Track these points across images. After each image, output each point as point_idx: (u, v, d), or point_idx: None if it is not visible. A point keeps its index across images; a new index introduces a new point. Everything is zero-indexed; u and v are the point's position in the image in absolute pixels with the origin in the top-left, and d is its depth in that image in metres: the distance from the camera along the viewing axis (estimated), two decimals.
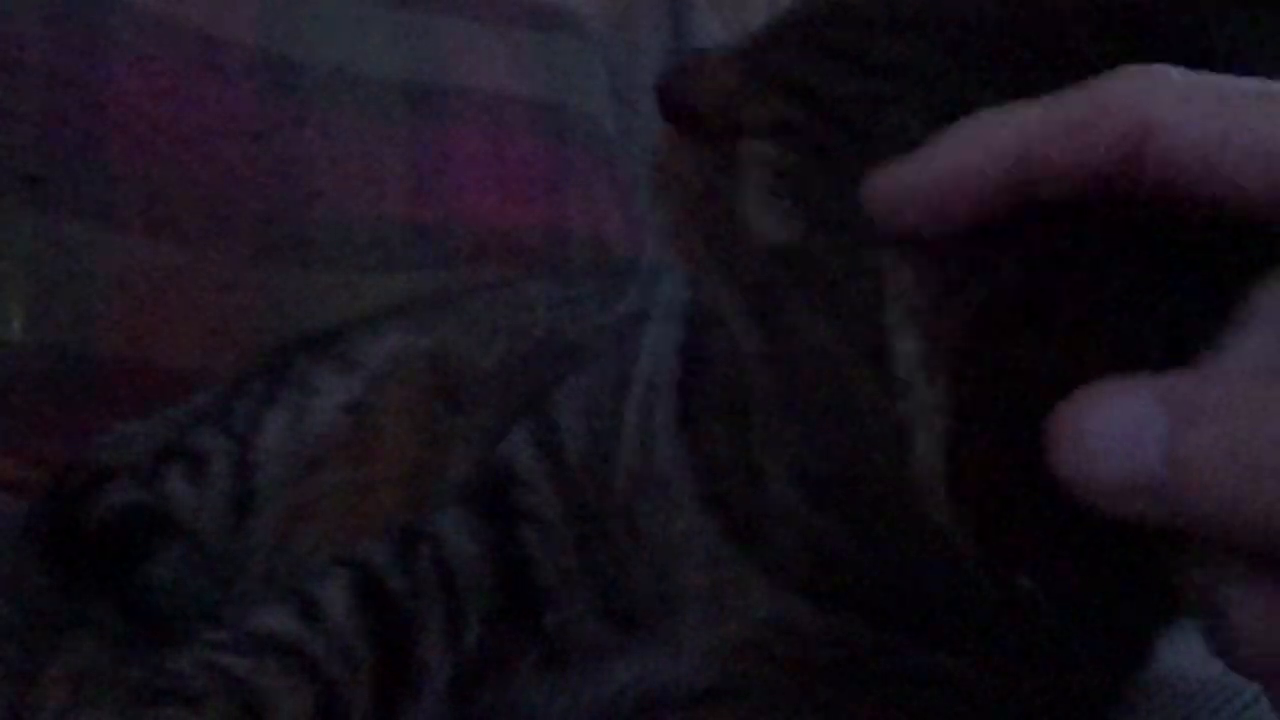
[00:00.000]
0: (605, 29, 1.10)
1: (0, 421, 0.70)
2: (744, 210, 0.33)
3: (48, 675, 0.52)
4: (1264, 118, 0.22)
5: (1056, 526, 0.26)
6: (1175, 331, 0.24)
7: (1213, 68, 0.24)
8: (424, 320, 0.69)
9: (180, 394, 0.71)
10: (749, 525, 0.42)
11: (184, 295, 0.78)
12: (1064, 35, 0.28)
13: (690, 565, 0.43)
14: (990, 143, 0.24)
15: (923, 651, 0.39)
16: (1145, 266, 0.25)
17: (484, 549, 0.47)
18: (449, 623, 0.45)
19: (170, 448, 0.63)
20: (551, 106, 1.02)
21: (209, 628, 0.45)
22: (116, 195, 0.76)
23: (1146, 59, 0.24)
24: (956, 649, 0.38)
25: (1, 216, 0.72)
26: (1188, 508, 0.21)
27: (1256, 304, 0.22)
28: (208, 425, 0.63)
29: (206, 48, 0.82)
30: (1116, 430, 0.22)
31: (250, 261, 0.82)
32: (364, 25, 0.92)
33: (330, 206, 0.86)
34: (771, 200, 0.32)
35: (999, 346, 0.25)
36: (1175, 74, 0.23)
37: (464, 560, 0.46)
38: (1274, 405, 0.20)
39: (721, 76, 0.35)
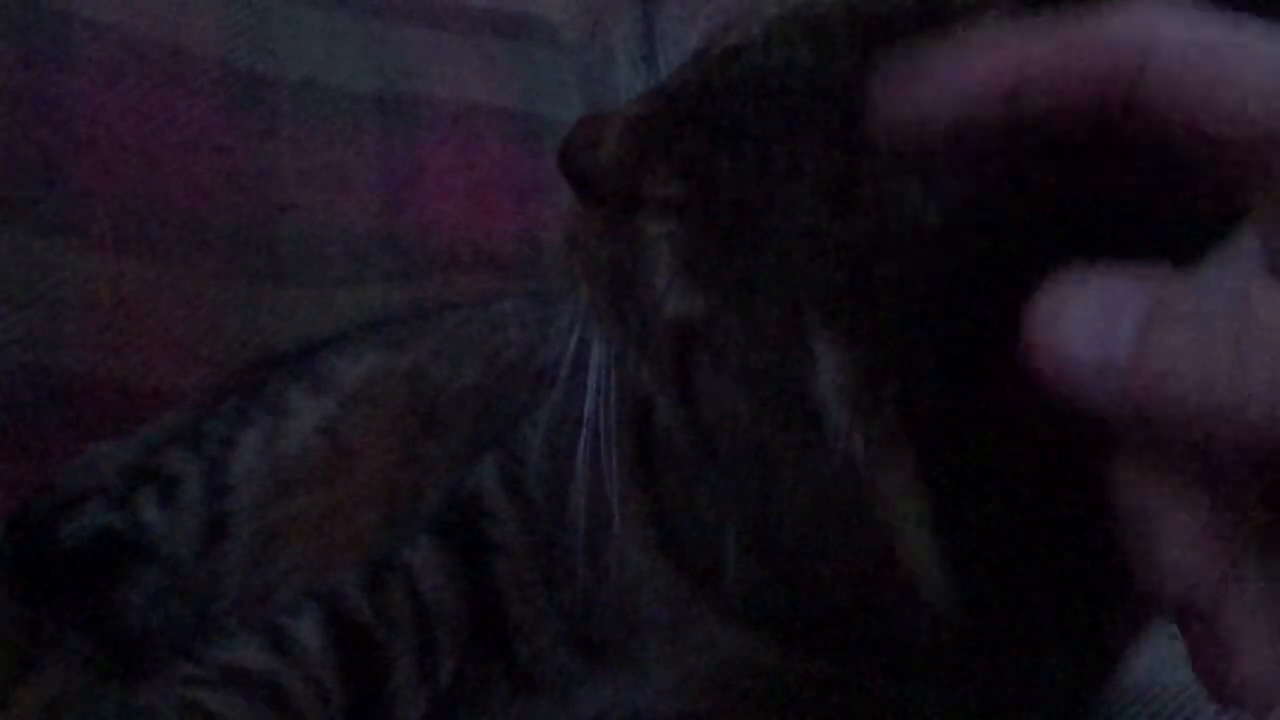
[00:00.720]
0: (577, 37, 1.10)
1: None
2: (649, 281, 0.32)
3: (17, 703, 0.52)
4: (1270, 50, 0.22)
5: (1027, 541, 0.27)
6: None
7: None
8: (398, 340, 0.69)
9: (150, 412, 0.71)
10: (705, 570, 0.42)
11: (153, 312, 0.78)
12: None
13: (650, 600, 0.44)
14: (990, 53, 0.24)
15: (892, 685, 0.39)
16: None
17: (455, 581, 0.47)
18: (422, 656, 0.45)
19: (141, 470, 0.62)
20: (523, 115, 1.01)
21: (181, 661, 0.45)
22: (83, 212, 0.75)
23: None
24: (926, 680, 0.38)
25: None
26: (1147, 397, 0.22)
27: (1241, 233, 0.23)
28: (180, 447, 0.63)
29: (172, 61, 0.81)
30: (1093, 313, 0.22)
31: (221, 277, 0.81)
32: (333, 36, 0.92)
33: (301, 220, 0.86)
34: (675, 275, 0.31)
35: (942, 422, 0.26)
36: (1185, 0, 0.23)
37: (436, 593, 0.46)
38: (1241, 316, 0.21)
39: (618, 147, 0.34)
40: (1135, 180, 0.25)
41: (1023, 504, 0.28)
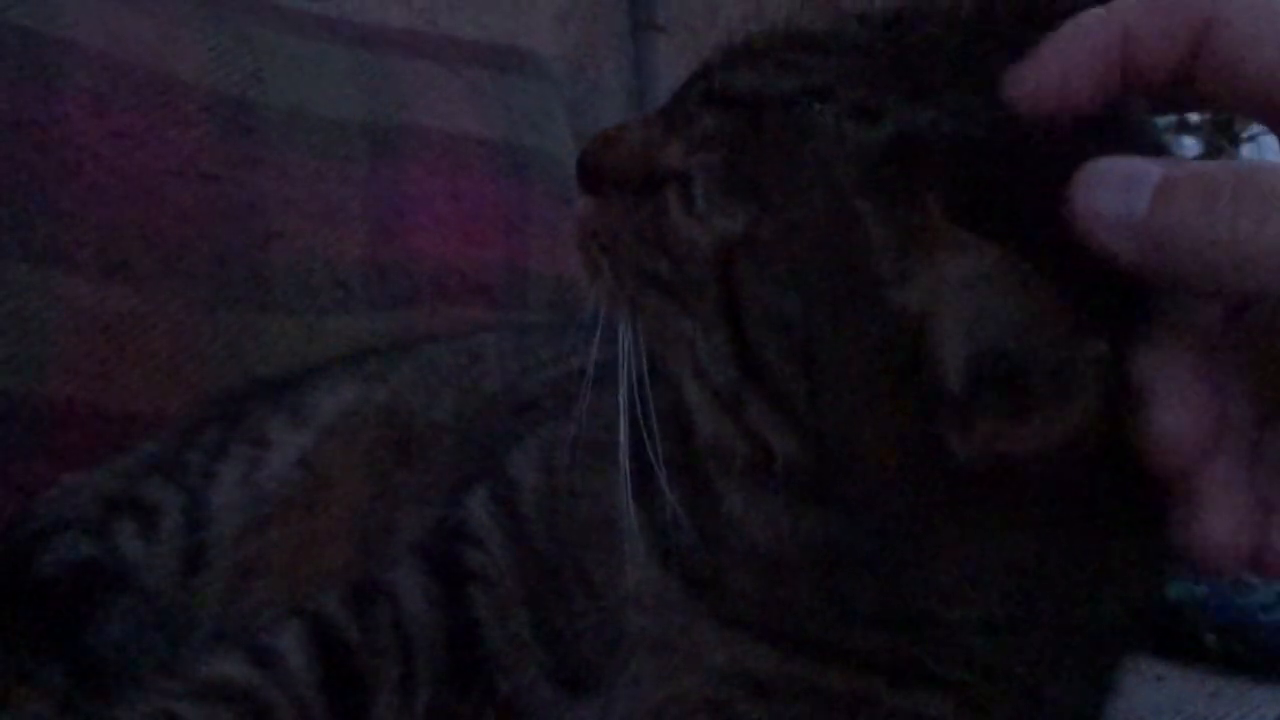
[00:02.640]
0: (566, 69, 1.10)
1: None
2: (680, 228, 0.37)
3: None
4: None
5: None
6: None
7: None
8: (377, 372, 0.69)
9: (131, 439, 0.70)
10: (705, 575, 0.42)
11: (137, 339, 0.78)
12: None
13: (641, 612, 0.44)
14: (1096, 31, 0.31)
15: (899, 693, 0.39)
16: None
17: (435, 610, 0.46)
18: (403, 683, 0.44)
19: (120, 499, 0.62)
20: (510, 146, 1.02)
21: (161, 676, 0.44)
22: (68, 237, 0.75)
23: None
24: (935, 685, 0.38)
25: None
26: (1159, 242, 0.28)
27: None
28: (159, 477, 0.63)
29: (160, 89, 0.82)
30: (1120, 180, 0.29)
31: (205, 304, 0.81)
32: (321, 65, 0.92)
33: (287, 248, 0.86)
34: (714, 200, 0.36)
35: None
36: None
37: (418, 621, 0.46)
38: (1243, 178, 0.28)
39: (645, 131, 0.40)
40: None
41: None
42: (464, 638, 0.46)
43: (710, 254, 0.36)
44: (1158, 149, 0.34)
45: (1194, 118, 1.43)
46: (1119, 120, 0.33)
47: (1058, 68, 0.31)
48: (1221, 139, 1.48)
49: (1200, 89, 0.30)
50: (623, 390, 0.40)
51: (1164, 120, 0.54)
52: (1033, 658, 0.39)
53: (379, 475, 0.62)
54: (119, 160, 0.78)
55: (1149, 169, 0.29)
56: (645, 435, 0.40)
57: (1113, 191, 0.29)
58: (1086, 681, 0.41)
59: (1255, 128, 1.31)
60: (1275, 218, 0.27)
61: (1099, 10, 0.31)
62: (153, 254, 0.79)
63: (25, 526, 0.61)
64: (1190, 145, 1.50)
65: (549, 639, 0.46)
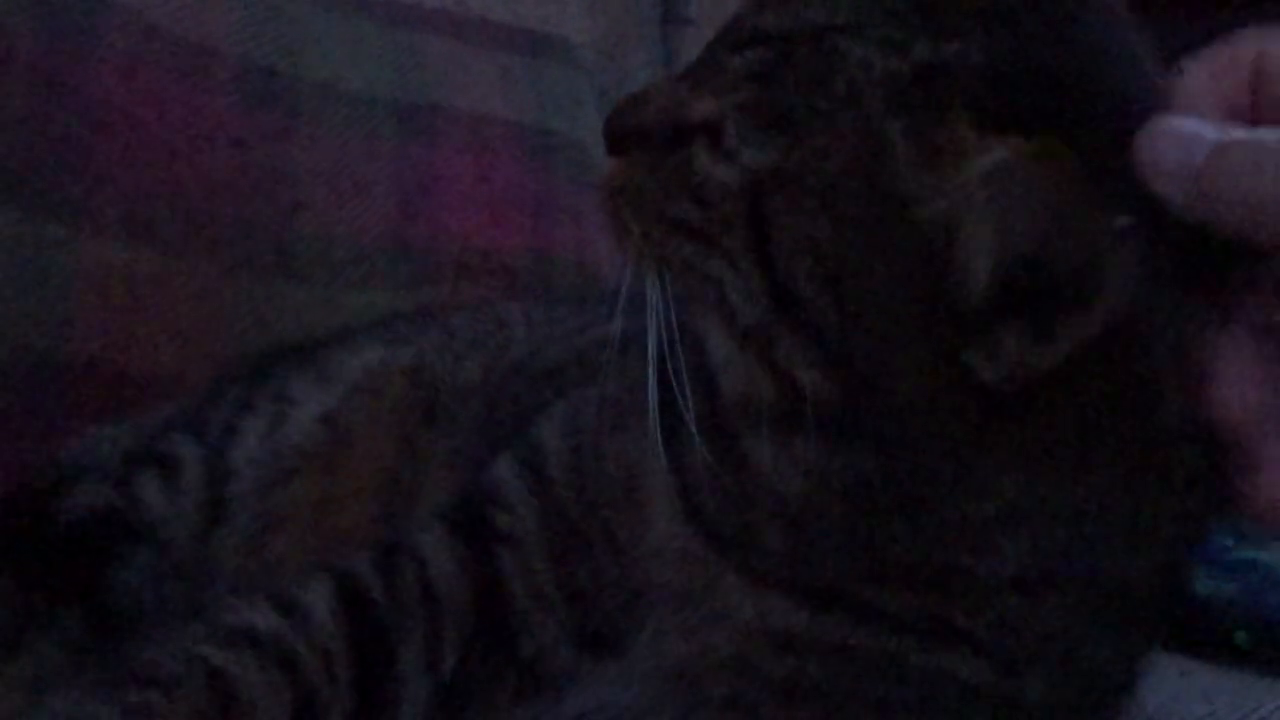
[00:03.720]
0: (596, 56, 1.11)
1: None
2: (710, 172, 0.38)
3: (2, 679, 0.51)
4: None
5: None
6: None
7: None
8: (403, 335, 0.69)
9: (152, 401, 0.70)
10: (732, 531, 0.42)
11: (160, 302, 0.77)
12: None
13: (665, 567, 0.44)
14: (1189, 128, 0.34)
15: (929, 654, 0.38)
16: None
17: (465, 571, 0.46)
18: (429, 642, 0.44)
19: (143, 452, 0.61)
20: (539, 131, 1.02)
21: (187, 622, 0.43)
22: (97, 198, 0.75)
23: None
24: (966, 646, 0.38)
25: None
26: (1215, 193, 0.31)
27: None
28: (182, 432, 0.62)
29: (193, 55, 0.82)
30: (1181, 137, 0.32)
31: (229, 271, 0.81)
32: (354, 42, 0.92)
33: (312, 220, 0.86)
34: (745, 135, 0.38)
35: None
36: None
37: (445, 581, 0.46)
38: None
39: (672, 89, 0.41)
40: None
41: None
42: (490, 598, 0.46)
43: (740, 191, 0.38)
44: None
45: None
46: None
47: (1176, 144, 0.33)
48: None
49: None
50: (651, 345, 0.40)
51: None
52: (1066, 620, 0.38)
53: (404, 436, 0.62)
54: (149, 123, 0.78)
55: (1207, 130, 0.32)
56: (676, 388, 0.40)
57: (1173, 146, 0.32)
58: (1120, 649, 0.41)
59: None
60: None
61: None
62: (179, 218, 0.79)
63: (47, 475, 0.61)
64: None
65: (573, 596, 0.46)
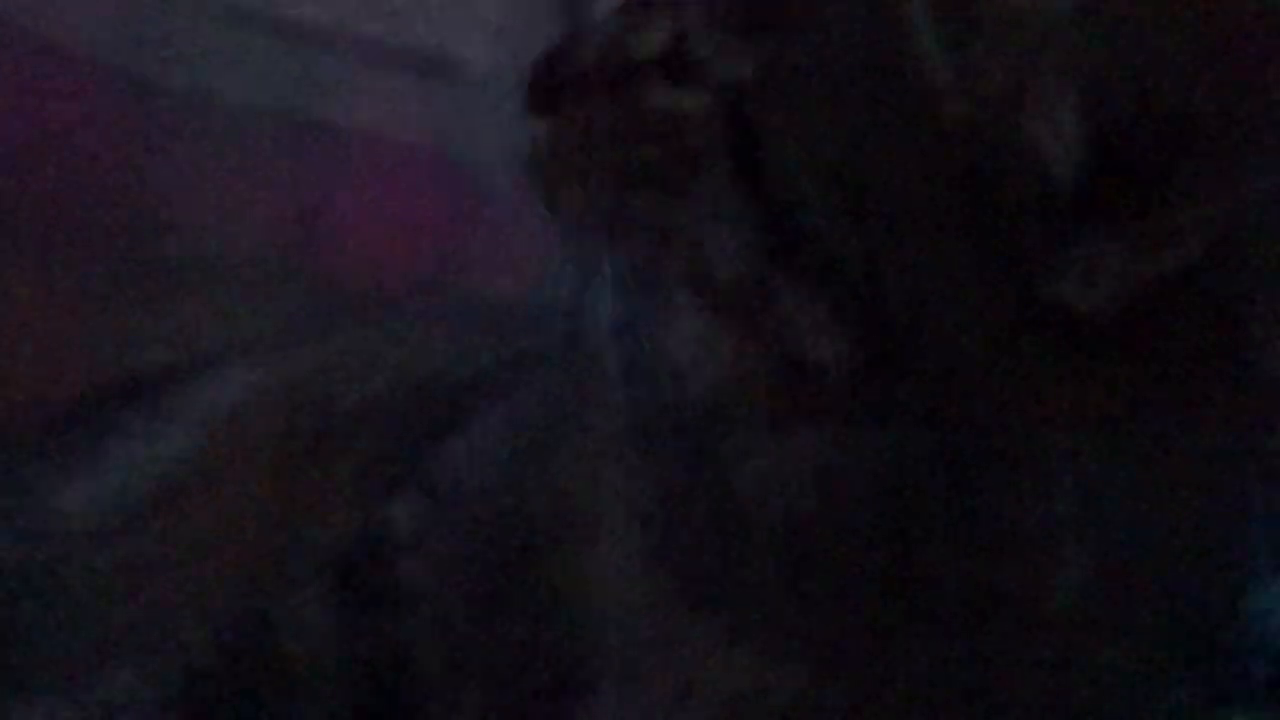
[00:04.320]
0: (501, 82, 1.10)
1: None
2: (663, 106, 0.34)
3: None
4: None
5: None
6: None
7: None
8: (282, 356, 0.64)
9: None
10: (709, 571, 0.36)
11: (18, 320, 0.73)
12: None
13: (619, 624, 0.37)
14: None
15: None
16: None
17: (352, 637, 0.41)
18: None
19: None
20: (434, 154, 0.99)
21: None
22: None
23: None
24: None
25: None
26: None
27: None
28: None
29: (58, 59, 0.78)
30: None
31: (95, 289, 0.77)
32: (234, 51, 0.89)
33: (189, 238, 0.82)
34: (719, 46, 0.33)
35: None
36: None
37: (320, 656, 0.40)
38: None
39: (612, 26, 0.37)
40: None
41: None
42: (386, 673, 0.40)
43: (716, 114, 0.33)
44: None
45: None
46: None
47: None
48: None
49: None
50: (600, 339, 0.36)
51: None
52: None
53: (280, 471, 0.56)
54: (8, 130, 0.75)
55: None
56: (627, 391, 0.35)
57: None
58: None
59: None
60: None
61: None
62: (39, 231, 0.75)
63: None
64: None
65: (494, 668, 0.39)
